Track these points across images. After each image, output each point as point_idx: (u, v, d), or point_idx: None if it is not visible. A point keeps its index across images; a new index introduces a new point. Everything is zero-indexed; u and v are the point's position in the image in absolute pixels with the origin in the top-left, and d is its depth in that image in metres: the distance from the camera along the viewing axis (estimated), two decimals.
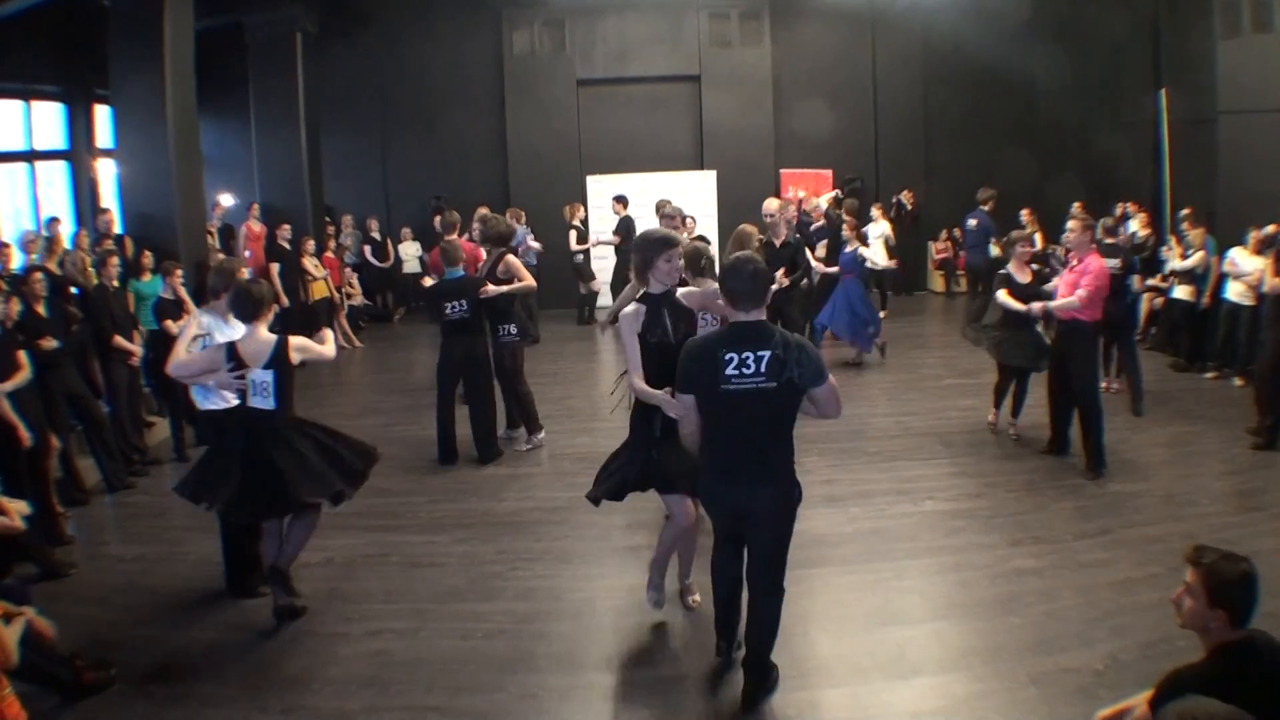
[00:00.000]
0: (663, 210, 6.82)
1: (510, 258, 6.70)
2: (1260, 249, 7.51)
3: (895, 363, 9.09)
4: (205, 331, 4.64)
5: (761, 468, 3.34)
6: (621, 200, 11.58)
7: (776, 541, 3.46)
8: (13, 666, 3.13)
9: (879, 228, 11.47)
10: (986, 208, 10.78)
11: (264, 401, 4.15)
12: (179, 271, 6.97)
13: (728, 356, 3.20)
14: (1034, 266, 6.91)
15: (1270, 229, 7.57)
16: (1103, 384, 7.26)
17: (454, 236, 7.25)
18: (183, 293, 6.92)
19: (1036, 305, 6.08)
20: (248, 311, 4.20)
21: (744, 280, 3.25)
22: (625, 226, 11.18)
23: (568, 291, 12.15)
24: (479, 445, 6.61)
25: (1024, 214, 10.58)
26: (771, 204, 7.75)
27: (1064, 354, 5.99)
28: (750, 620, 3.55)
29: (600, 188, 12.76)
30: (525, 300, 6.93)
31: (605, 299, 12.60)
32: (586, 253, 11.81)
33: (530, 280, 6.75)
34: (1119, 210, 10.36)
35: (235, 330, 4.50)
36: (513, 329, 6.73)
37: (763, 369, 3.18)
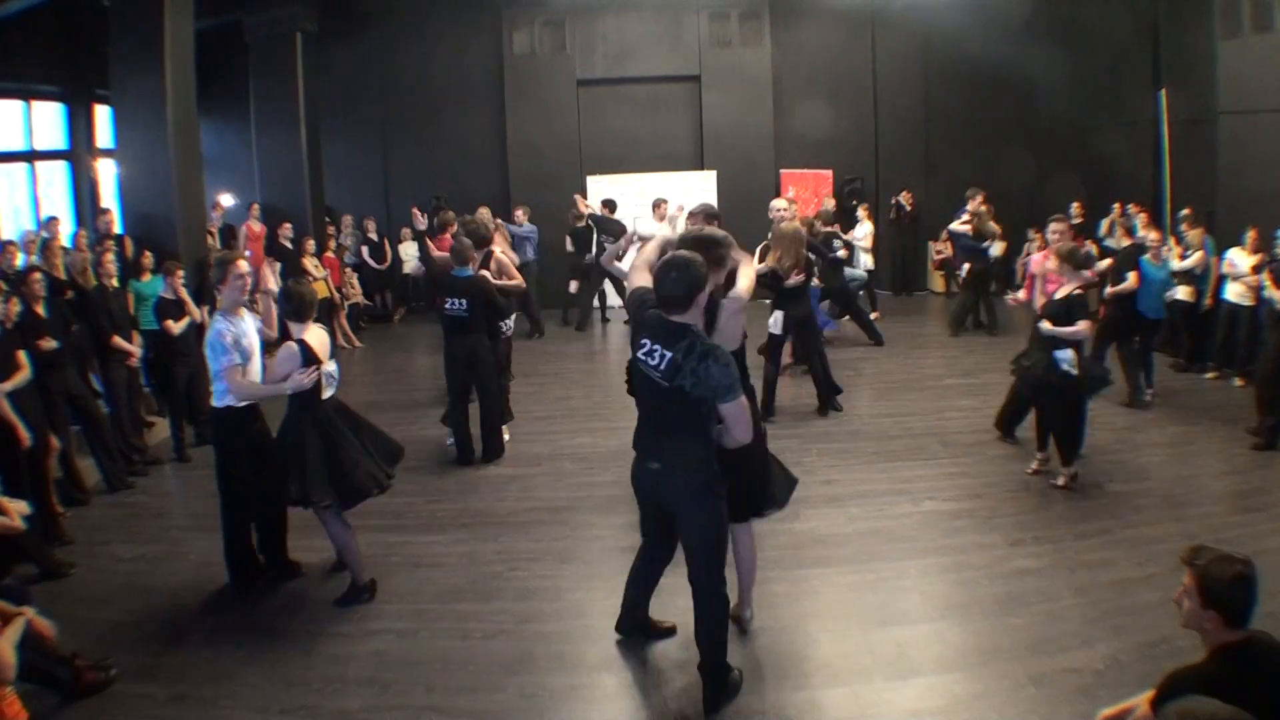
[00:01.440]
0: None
1: (500, 255, 6.72)
2: (1258, 264, 7.46)
3: (895, 363, 9.09)
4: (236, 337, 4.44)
5: (663, 452, 3.37)
6: (609, 205, 11.49)
7: (699, 539, 3.44)
8: (11, 680, 3.12)
9: (864, 228, 11.49)
10: (970, 206, 10.69)
11: (335, 389, 4.51)
12: (180, 272, 6.98)
13: (643, 341, 3.30)
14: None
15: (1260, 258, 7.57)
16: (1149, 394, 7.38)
17: (447, 235, 7.30)
18: (183, 293, 6.92)
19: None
20: (304, 311, 4.41)
21: (668, 285, 3.19)
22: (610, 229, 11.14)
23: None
24: (484, 442, 6.62)
25: (978, 199, 10.23)
26: (779, 203, 7.76)
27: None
28: (695, 623, 3.55)
29: (601, 188, 12.74)
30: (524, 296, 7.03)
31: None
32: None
33: (520, 280, 6.79)
34: (1116, 210, 10.36)
35: (248, 325, 4.54)
36: (509, 323, 6.79)
37: (662, 366, 3.22)
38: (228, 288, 4.53)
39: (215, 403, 4.52)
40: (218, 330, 4.36)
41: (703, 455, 3.35)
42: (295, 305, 4.40)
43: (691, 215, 5.74)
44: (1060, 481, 5.63)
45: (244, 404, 4.51)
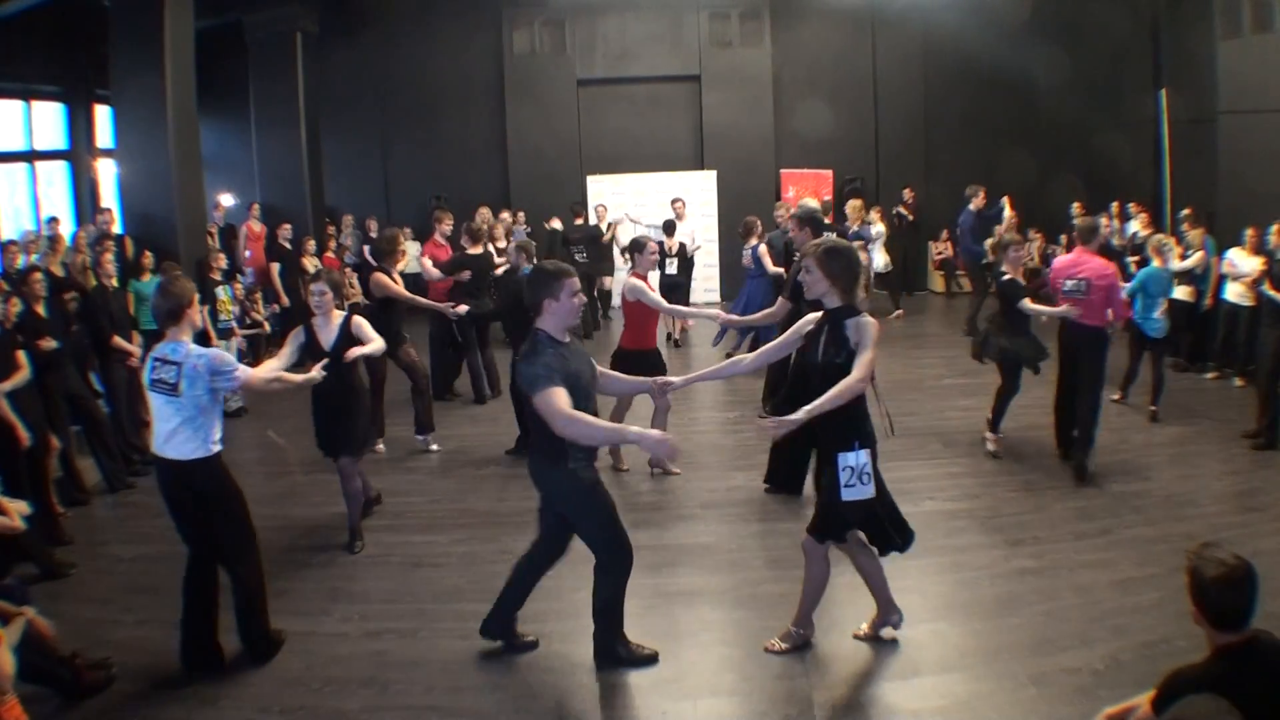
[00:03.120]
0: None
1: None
2: (1257, 278, 7.41)
3: (896, 362, 9.07)
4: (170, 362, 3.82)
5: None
6: (576, 210, 11.67)
7: (569, 516, 3.71)
8: (9, 689, 3.11)
9: (877, 229, 11.52)
10: (973, 205, 10.71)
11: None
12: (179, 270, 6.98)
13: None
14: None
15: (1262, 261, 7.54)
16: (1115, 396, 7.25)
17: (439, 240, 7.36)
18: None
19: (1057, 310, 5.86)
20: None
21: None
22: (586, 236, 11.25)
23: None
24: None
25: (1004, 200, 10.52)
26: (810, 203, 7.79)
27: (1075, 357, 5.87)
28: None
29: (601, 188, 12.75)
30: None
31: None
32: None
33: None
34: (1115, 209, 10.37)
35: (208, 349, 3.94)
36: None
37: None
38: (191, 317, 3.93)
39: (208, 452, 3.82)
40: (213, 353, 3.87)
41: (545, 446, 3.53)
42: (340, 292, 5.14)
43: (793, 218, 5.75)
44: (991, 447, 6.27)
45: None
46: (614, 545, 3.69)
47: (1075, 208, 11.13)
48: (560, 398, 3.32)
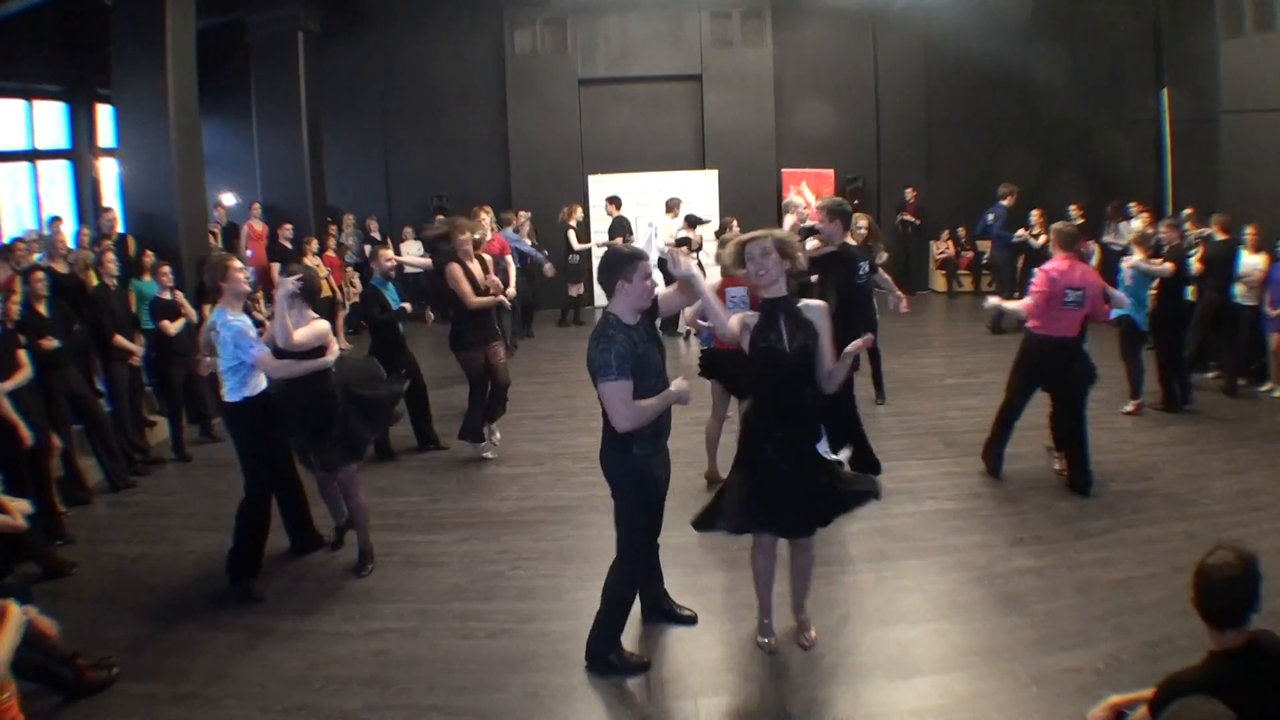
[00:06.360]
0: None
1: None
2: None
3: (897, 362, 9.07)
4: (216, 329, 4.60)
5: None
6: (614, 201, 11.57)
7: (616, 497, 3.75)
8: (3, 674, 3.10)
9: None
10: (1006, 202, 10.73)
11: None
12: (165, 270, 6.93)
13: None
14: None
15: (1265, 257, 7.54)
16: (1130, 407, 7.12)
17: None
18: (177, 293, 6.94)
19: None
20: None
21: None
22: (620, 227, 11.17)
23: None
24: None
25: (1034, 214, 10.66)
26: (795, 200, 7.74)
27: (1052, 373, 5.61)
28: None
29: (602, 187, 12.74)
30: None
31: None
32: (581, 255, 11.74)
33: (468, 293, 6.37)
34: (1110, 209, 10.37)
35: (243, 320, 4.57)
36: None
37: None
38: (229, 285, 4.57)
39: (232, 398, 4.57)
40: (239, 327, 4.47)
41: (612, 433, 3.51)
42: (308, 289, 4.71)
43: (822, 209, 5.77)
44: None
45: (258, 393, 4.62)
46: (639, 549, 3.74)
47: (1073, 209, 11.12)
48: (625, 392, 3.35)
